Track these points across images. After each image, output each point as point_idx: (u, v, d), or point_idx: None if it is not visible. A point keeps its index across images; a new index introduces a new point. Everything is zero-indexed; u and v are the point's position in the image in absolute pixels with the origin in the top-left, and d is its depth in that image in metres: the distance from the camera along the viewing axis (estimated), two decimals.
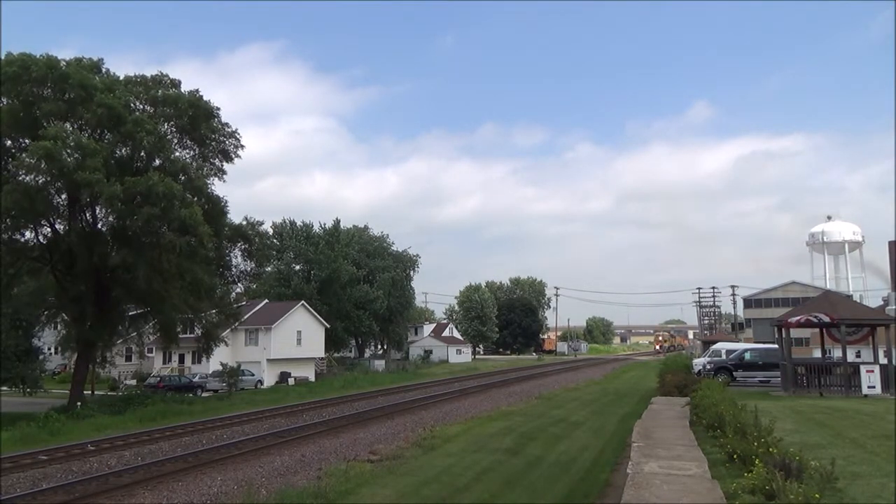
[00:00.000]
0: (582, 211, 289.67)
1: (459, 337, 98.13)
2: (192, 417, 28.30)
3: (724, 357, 37.03)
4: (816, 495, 7.67)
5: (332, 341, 63.86)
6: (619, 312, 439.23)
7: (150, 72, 35.74)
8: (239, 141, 35.57)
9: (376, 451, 17.80)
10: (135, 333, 38.83)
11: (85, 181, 27.10)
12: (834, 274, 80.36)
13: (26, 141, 29.53)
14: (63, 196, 30.59)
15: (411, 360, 77.54)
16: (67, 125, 29.88)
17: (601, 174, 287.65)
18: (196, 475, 16.08)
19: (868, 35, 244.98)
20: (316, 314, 57.10)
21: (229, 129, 35.22)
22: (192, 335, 39.18)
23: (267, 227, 44.71)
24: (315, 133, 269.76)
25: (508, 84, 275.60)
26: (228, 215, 35.54)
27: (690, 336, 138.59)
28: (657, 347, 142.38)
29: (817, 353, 35.61)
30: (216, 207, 34.04)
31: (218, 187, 36.51)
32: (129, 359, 53.21)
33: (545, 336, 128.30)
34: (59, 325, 37.27)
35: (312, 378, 54.87)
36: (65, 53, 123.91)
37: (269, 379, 50.38)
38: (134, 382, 47.34)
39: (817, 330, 30.70)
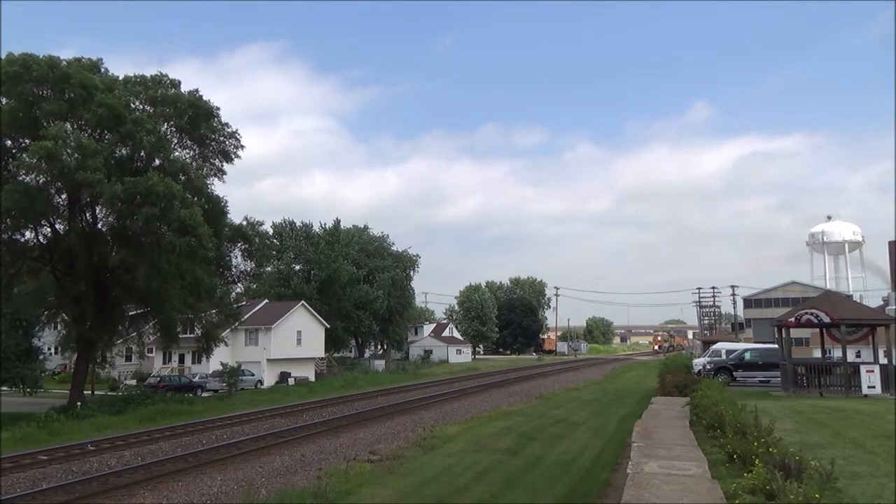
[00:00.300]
0: (582, 211, 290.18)
1: (459, 337, 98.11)
2: (192, 417, 28.29)
3: (724, 357, 37.02)
4: (816, 495, 7.66)
5: (332, 341, 63.85)
6: (619, 312, 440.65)
7: (150, 72, 35.88)
8: (239, 141, 35.63)
9: (376, 451, 17.80)
10: (135, 333, 38.75)
11: (85, 181, 27.12)
12: (834, 274, 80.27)
13: (27, 141, 29.54)
14: (63, 196, 30.61)
15: (411, 360, 77.56)
16: (68, 125, 29.90)
17: (601, 174, 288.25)
18: (196, 475, 16.08)
19: (868, 35, 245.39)
20: (316, 314, 57.08)
21: (229, 130, 35.28)
22: (192, 335, 39.16)
23: (267, 228, 44.70)
24: (315, 133, 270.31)
25: (508, 84, 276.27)
26: (228, 215, 35.64)
27: (690, 336, 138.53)
28: (656, 347, 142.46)
29: (817, 353, 35.58)
30: (216, 207, 34.07)
31: (218, 187, 36.63)
32: (129, 359, 53.19)
33: (545, 336, 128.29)
34: (59, 325, 37.20)
35: (312, 378, 54.86)
36: (65, 53, 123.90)
37: (269, 379, 50.39)
38: (134, 382, 47.35)
39: (817, 330, 30.70)
